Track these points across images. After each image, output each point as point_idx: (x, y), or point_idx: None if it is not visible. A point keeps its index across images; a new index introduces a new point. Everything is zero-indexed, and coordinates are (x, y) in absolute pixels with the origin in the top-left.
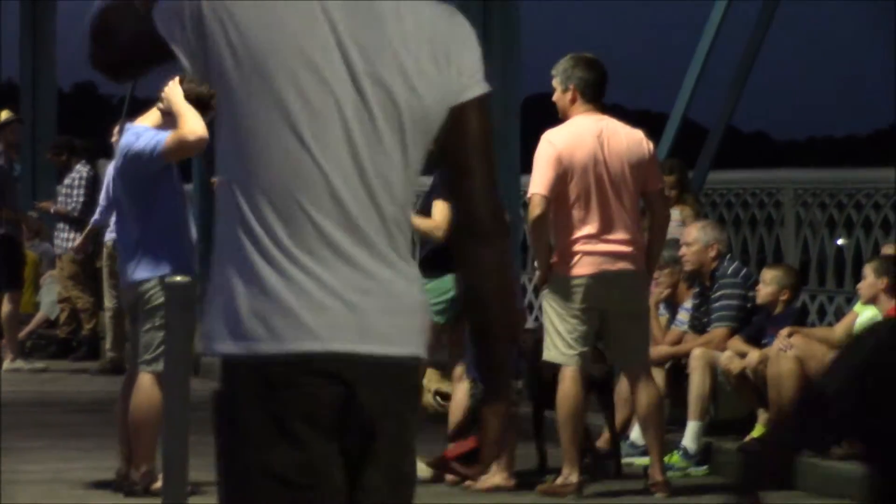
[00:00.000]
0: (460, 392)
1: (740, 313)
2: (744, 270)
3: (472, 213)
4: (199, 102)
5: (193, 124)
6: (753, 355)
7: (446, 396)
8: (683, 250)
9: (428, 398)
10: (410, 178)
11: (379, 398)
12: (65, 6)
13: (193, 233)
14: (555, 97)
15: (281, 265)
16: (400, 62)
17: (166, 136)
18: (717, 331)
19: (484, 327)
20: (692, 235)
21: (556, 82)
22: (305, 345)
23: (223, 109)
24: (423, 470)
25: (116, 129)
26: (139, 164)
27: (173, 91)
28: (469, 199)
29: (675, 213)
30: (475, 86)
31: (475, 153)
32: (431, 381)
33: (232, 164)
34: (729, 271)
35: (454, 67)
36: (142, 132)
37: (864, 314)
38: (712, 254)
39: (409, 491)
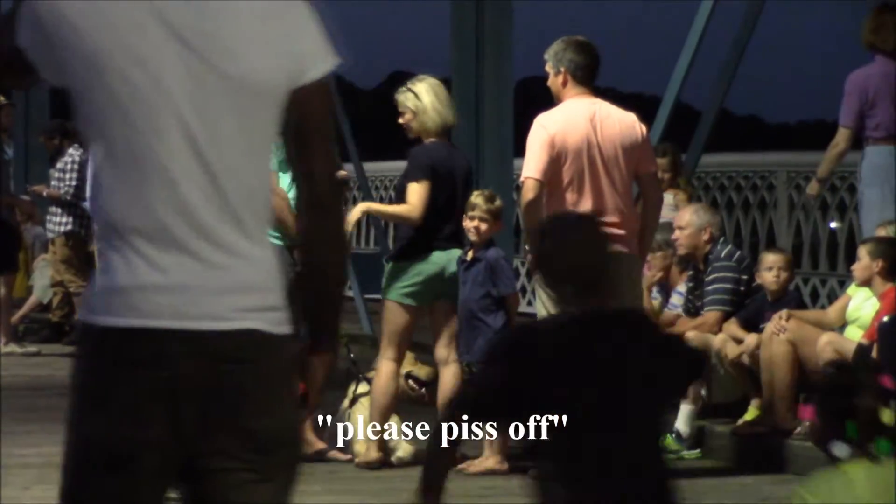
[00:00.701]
0: (448, 375)
1: (734, 297)
2: (737, 254)
3: (314, 188)
4: None
5: None
6: (751, 339)
7: (420, 381)
8: (677, 234)
9: (400, 381)
10: (260, 161)
11: (210, 371)
12: None
13: None
14: (548, 81)
15: (121, 249)
16: (237, 50)
17: None
18: (710, 314)
19: (318, 284)
20: (685, 219)
21: (548, 66)
22: (135, 322)
23: (74, 108)
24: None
25: None
26: None
27: None
28: (311, 175)
29: (668, 197)
30: (315, 68)
31: (317, 132)
32: (405, 364)
33: (89, 154)
34: (723, 254)
35: (294, 51)
36: None
37: (858, 296)
38: (706, 237)
39: (276, 455)
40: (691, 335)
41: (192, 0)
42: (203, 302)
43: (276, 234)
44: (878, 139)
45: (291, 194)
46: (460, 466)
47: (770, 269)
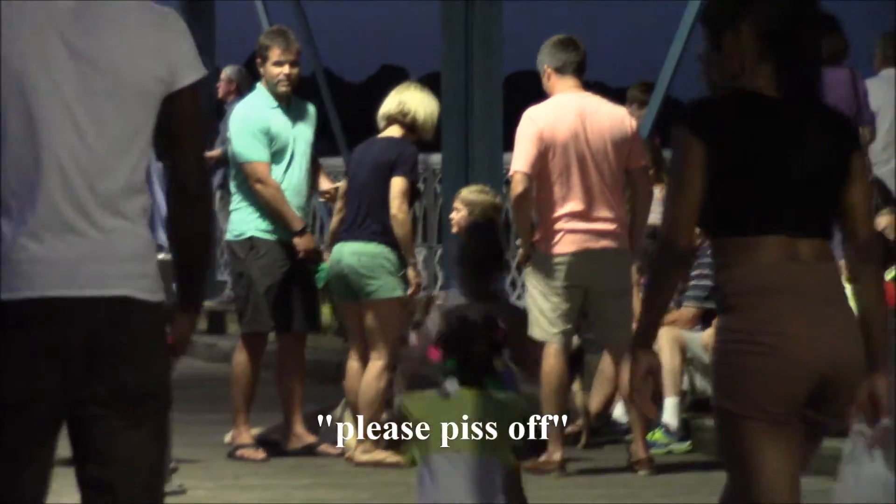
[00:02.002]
0: (372, 369)
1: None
2: None
3: (184, 182)
4: None
5: None
6: None
7: None
8: None
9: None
10: (136, 155)
11: (92, 332)
12: None
13: (162, 204)
14: (543, 84)
15: (16, 229)
16: (120, 60)
17: None
18: (685, 310)
19: (186, 257)
20: None
21: (541, 72)
22: (29, 293)
23: None
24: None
25: None
26: None
27: None
28: (181, 170)
29: (656, 192)
30: (187, 76)
31: (187, 132)
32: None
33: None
34: (708, 252)
35: (169, 60)
36: None
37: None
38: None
39: (145, 405)
40: (663, 331)
41: (83, 20)
42: (85, 272)
43: (269, 229)
44: None
45: (287, 180)
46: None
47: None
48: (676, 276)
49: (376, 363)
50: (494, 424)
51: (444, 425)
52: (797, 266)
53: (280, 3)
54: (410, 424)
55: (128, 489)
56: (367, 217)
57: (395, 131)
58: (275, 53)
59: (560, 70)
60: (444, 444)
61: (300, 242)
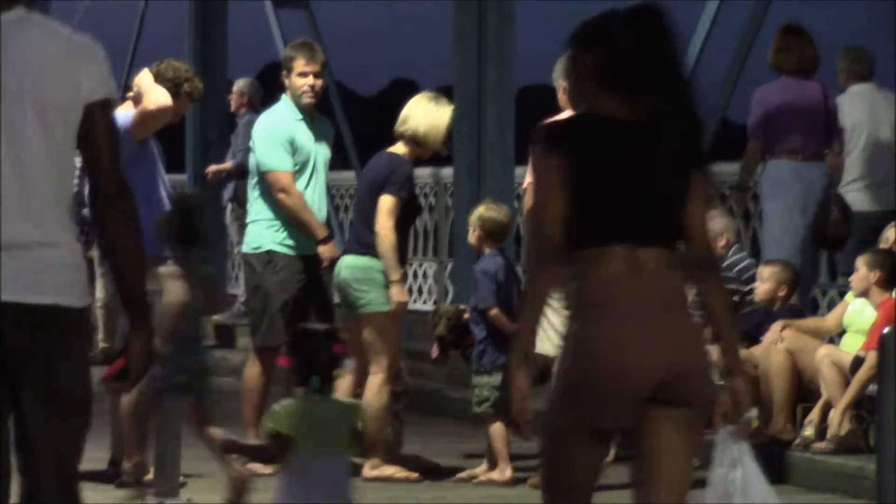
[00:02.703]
0: (371, 384)
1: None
2: (743, 263)
3: (102, 184)
4: (169, 88)
5: (155, 95)
6: (744, 353)
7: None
8: None
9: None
10: (62, 169)
11: (25, 335)
12: None
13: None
14: (559, 100)
15: None
16: (43, 78)
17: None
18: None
19: (121, 270)
20: None
21: (557, 87)
22: None
23: None
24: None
25: None
26: None
27: (142, 76)
28: (99, 174)
29: None
30: (99, 92)
31: (103, 140)
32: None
33: None
34: (727, 262)
35: (84, 78)
36: (118, 117)
37: (855, 302)
38: (722, 243)
39: (67, 405)
40: None
41: (10, 47)
42: (18, 281)
43: (288, 243)
44: (778, 154)
45: (307, 194)
46: (465, 475)
47: (762, 281)
48: (555, 276)
49: (374, 378)
50: (341, 426)
51: (304, 429)
52: (641, 276)
53: (292, 15)
54: (277, 431)
55: (46, 479)
56: (362, 231)
57: (399, 147)
58: (299, 64)
59: None
60: (306, 446)
61: (325, 250)
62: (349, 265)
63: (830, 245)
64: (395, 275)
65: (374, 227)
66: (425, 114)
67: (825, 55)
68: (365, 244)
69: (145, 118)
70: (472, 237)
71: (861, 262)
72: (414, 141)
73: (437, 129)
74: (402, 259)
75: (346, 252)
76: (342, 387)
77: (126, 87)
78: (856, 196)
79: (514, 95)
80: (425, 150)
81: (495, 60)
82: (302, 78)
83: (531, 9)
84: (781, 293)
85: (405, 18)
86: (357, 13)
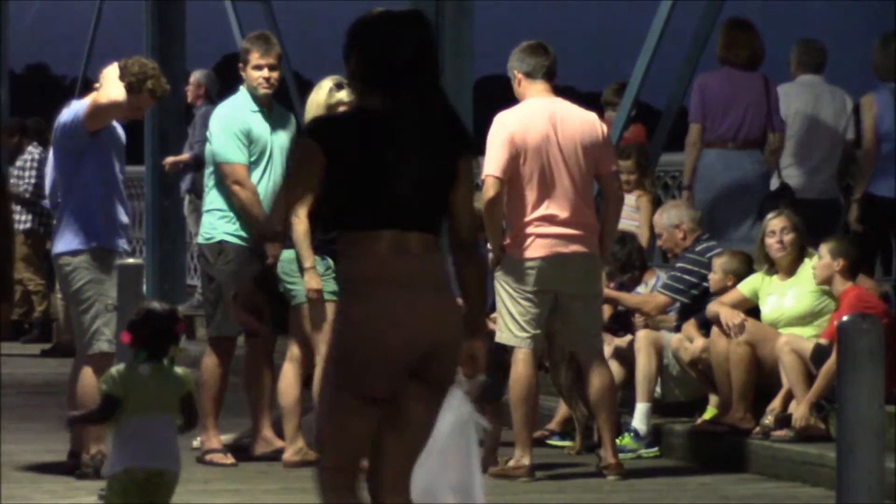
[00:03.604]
0: (289, 372)
1: (689, 289)
2: (715, 251)
3: None
4: (130, 84)
5: (108, 90)
6: (697, 343)
7: None
8: (658, 241)
9: None
10: None
11: None
12: None
13: (121, 211)
14: (514, 91)
15: None
16: None
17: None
18: (656, 294)
19: None
20: (659, 223)
21: (512, 78)
22: None
23: None
24: None
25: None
26: (66, 136)
27: (109, 69)
28: None
29: (631, 199)
30: None
31: None
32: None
33: None
34: (697, 248)
35: None
36: (76, 107)
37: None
38: (680, 235)
39: None
40: (642, 333)
41: None
42: None
43: (240, 234)
44: (709, 143)
45: (262, 186)
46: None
47: (713, 272)
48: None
49: (318, 368)
50: (170, 392)
51: (133, 392)
52: (406, 258)
53: (250, 5)
54: (109, 393)
55: None
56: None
57: None
58: (254, 57)
59: (530, 75)
60: (135, 408)
61: (271, 248)
62: (282, 259)
63: None
64: (306, 262)
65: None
66: (317, 99)
67: (828, 55)
68: (290, 237)
69: (96, 110)
70: None
71: (824, 250)
72: None
73: (314, 109)
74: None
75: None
76: (286, 377)
77: (85, 80)
78: (790, 180)
79: (472, 86)
80: None
81: (452, 50)
82: (257, 70)
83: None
84: (729, 283)
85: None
86: (317, 6)
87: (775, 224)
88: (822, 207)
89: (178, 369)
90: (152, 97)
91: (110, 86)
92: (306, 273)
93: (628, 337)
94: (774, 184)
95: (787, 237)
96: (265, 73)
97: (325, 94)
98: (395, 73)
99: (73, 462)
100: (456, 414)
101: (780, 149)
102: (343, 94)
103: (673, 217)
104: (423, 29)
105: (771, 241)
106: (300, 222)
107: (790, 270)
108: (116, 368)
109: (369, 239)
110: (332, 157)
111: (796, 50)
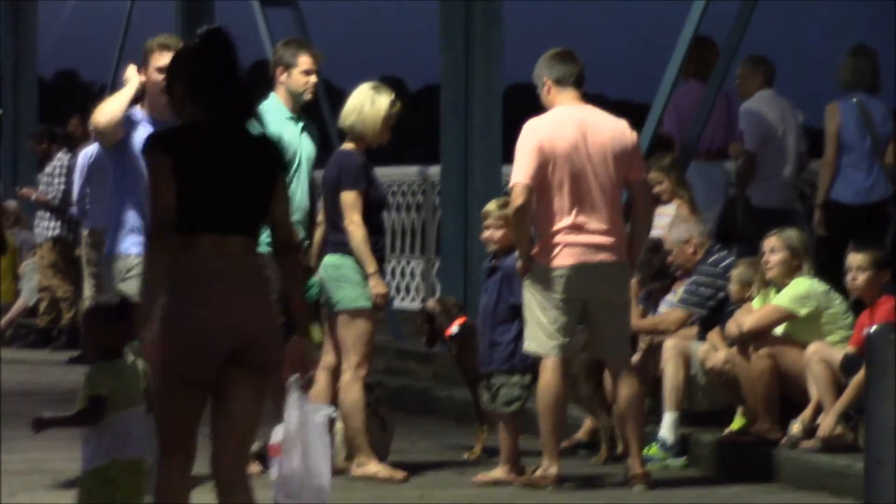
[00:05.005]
0: (343, 382)
1: (708, 301)
2: (728, 260)
3: None
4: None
5: (100, 110)
6: (720, 354)
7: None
8: (670, 258)
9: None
10: None
11: None
12: None
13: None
14: (541, 99)
15: None
16: None
17: None
18: (673, 311)
19: None
20: (669, 239)
21: (538, 87)
22: None
23: None
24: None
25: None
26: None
27: (128, 71)
28: None
29: (671, 208)
30: None
31: None
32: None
33: None
34: (709, 260)
35: None
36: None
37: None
38: (690, 249)
39: None
40: (670, 343)
41: None
42: None
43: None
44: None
45: (290, 193)
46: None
47: (732, 282)
48: (165, 260)
49: (345, 374)
50: (137, 383)
51: (115, 389)
52: (225, 260)
53: (279, 12)
54: (96, 394)
55: None
56: (330, 230)
57: (347, 143)
58: (305, 62)
59: (560, 82)
60: (116, 404)
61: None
62: (325, 264)
63: (735, 240)
64: (370, 267)
65: (342, 224)
66: (364, 106)
67: (828, 54)
68: (334, 242)
69: (94, 133)
70: (496, 234)
71: (778, 241)
72: (356, 134)
73: (375, 120)
74: (380, 251)
75: (324, 252)
76: (319, 384)
77: (113, 86)
78: (754, 192)
79: (502, 93)
80: (370, 142)
81: (482, 58)
82: (306, 76)
83: (519, 6)
84: (748, 293)
85: (393, 16)
86: (345, 11)
87: (766, 243)
88: (779, 217)
89: (138, 362)
90: None
91: (104, 106)
92: (371, 278)
93: (637, 354)
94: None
95: (775, 257)
96: (313, 78)
97: (385, 108)
98: (212, 93)
99: None
100: (299, 411)
101: (740, 157)
102: (399, 105)
103: (682, 232)
104: (228, 52)
105: (764, 259)
106: (358, 228)
107: (783, 287)
108: (95, 368)
109: (194, 241)
110: (169, 167)
111: (746, 67)
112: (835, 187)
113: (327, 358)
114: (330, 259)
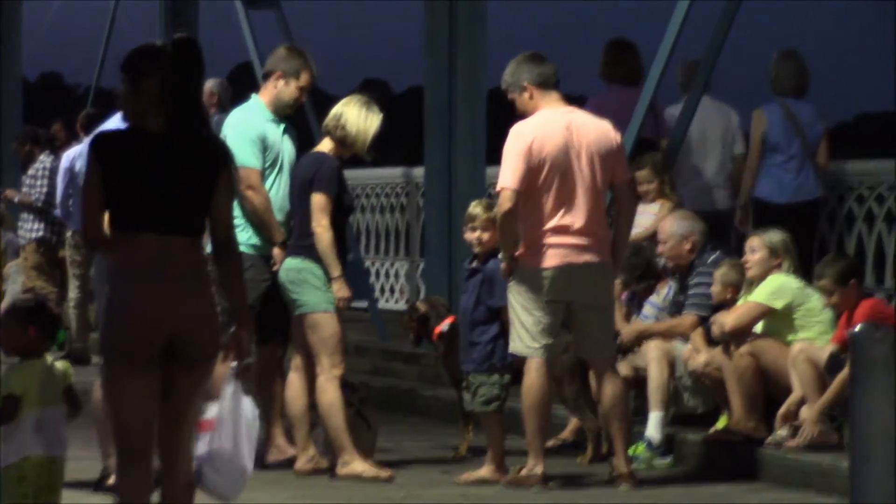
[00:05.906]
0: (318, 384)
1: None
2: (724, 261)
3: None
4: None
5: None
6: (701, 357)
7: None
8: (660, 247)
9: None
10: None
11: None
12: None
13: None
14: (517, 106)
15: None
16: None
17: None
18: (686, 317)
19: None
20: (666, 230)
21: (510, 93)
22: None
23: None
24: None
25: (81, 118)
26: None
27: None
28: None
29: (654, 208)
30: None
31: None
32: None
33: None
34: (709, 260)
35: None
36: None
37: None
38: (688, 246)
39: None
40: (653, 343)
41: None
42: None
43: (253, 243)
44: None
45: (272, 193)
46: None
47: (715, 283)
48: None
49: (320, 377)
50: (55, 385)
51: (28, 388)
52: (165, 257)
53: (262, 14)
54: (9, 393)
55: None
56: (297, 232)
57: (325, 145)
58: (306, 80)
59: (542, 85)
60: (30, 403)
61: (278, 254)
62: (286, 267)
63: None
64: (335, 271)
65: (310, 227)
66: (359, 118)
67: (829, 55)
68: (300, 246)
69: None
70: (484, 236)
71: (759, 242)
72: (342, 142)
73: (365, 135)
74: (342, 254)
75: (287, 254)
76: (293, 385)
77: (98, 89)
78: (684, 196)
79: (486, 95)
80: (349, 152)
81: (466, 60)
82: (300, 92)
83: (503, 8)
84: (729, 295)
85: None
86: (329, 13)
87: (748, 244)
88: (715, 220)
89: (58, 363)
90: None
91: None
92: (335, 282)
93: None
94: None
95: (754, 256)
96: (304, 97)
97: (377, 125)
98: (161, 99)
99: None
100: (232, 396)
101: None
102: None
103: (685, 227)
104: (186, 59)
105: (744, 259)
106: (326, 231)
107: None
108: (10, 368)
109: (135, 239)
110: (107, 169)
111: (682, 71)
112: (762, 187)
113: (295, 360)
114: (293, 262)
